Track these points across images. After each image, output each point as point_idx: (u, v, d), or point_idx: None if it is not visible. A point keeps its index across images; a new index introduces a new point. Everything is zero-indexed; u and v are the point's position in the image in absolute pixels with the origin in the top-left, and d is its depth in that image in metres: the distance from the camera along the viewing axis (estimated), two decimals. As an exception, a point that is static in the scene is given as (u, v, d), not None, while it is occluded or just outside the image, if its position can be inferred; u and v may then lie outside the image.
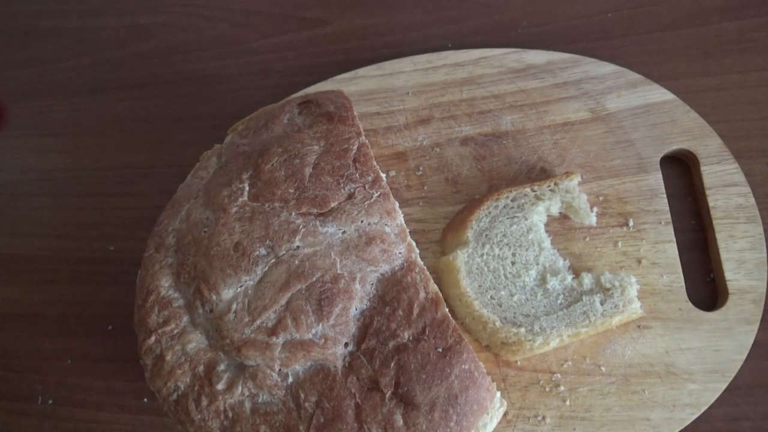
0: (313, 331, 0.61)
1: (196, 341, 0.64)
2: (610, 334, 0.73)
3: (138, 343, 0.66)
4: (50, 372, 0.84)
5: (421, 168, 0.84)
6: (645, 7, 0.94)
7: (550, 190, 0.77)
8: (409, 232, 0.71)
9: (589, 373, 0.72)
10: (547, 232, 0.78)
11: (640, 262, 0.76)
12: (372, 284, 0.64)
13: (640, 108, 0.83)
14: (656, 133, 0.82)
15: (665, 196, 0.79)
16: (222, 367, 0.62)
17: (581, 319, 0.70)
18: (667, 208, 0.78)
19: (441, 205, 0.82)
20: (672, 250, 0.77)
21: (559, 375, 0.73)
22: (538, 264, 0.75)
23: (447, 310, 0.63)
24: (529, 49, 0.88)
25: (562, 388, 0.72)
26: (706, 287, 0.78)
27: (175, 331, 0.64)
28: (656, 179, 0.80)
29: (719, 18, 0.92)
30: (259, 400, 0.61)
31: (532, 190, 0.77)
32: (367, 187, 0.67)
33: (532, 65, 0.87)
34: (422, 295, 0.63)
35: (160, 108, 0.98)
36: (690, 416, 0.70)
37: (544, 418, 0.71)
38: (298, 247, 0.64)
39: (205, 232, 0.66)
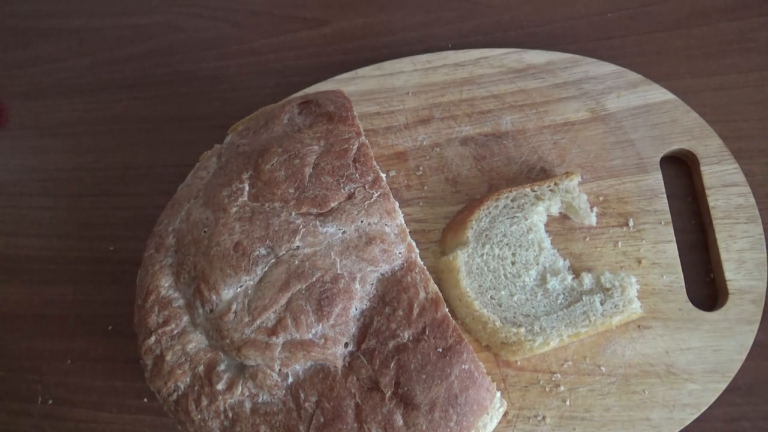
0: (313, 331, 0.61)
1: (196, 341, 0.64)
2: (610, 334, 0.73)
3: (138, 343, 0.66)
4: (50, 372, 0.84)
5: (421, 168, 0.84)
6: (645, 7, 0.94)
7: (550, 190, 0.77)
8: (409, 232, 0.71)
9: (589, 373, 0.72)
10: (547, 232, 0.78)
11: (640, 262, 0.76)
12: (372, 284, 0.64)
13: (640, 108, 0.83)
14: (656, 133, 0.82)
15: (665, 196, 0.79)
16: (222, 367, 0.62)
17: (581, 319, 0.70)
18: (667, 208, 0.78)
19: (441, 205, 0.82)
20: (672, 250, 0.77)
21: (559, 375, 0.73)
22: (538, 264, 0.75)
23: (447, 310, 0.63)
24: (529, 49, 0.88)
25: (562, 388, 0.72)
26: (706, 287, 0.78)
27: (175, 331, 0.64)
28: (656, 179, 0.80)
29: (719, 18, 0.92)
30: (259, 400, 0.61)
31: (532, 190, 0.77)
32: (367, 187, 0.67)
33: (532, 65, 0.87)
34: (422, 295, 0.63)
35: (160, 108, 0.98)
36: (690, 416, 0.70)
37: (544, 418, 0.71)
38: (298, 247, 0.64)
39: (205, 232, 0.66)
